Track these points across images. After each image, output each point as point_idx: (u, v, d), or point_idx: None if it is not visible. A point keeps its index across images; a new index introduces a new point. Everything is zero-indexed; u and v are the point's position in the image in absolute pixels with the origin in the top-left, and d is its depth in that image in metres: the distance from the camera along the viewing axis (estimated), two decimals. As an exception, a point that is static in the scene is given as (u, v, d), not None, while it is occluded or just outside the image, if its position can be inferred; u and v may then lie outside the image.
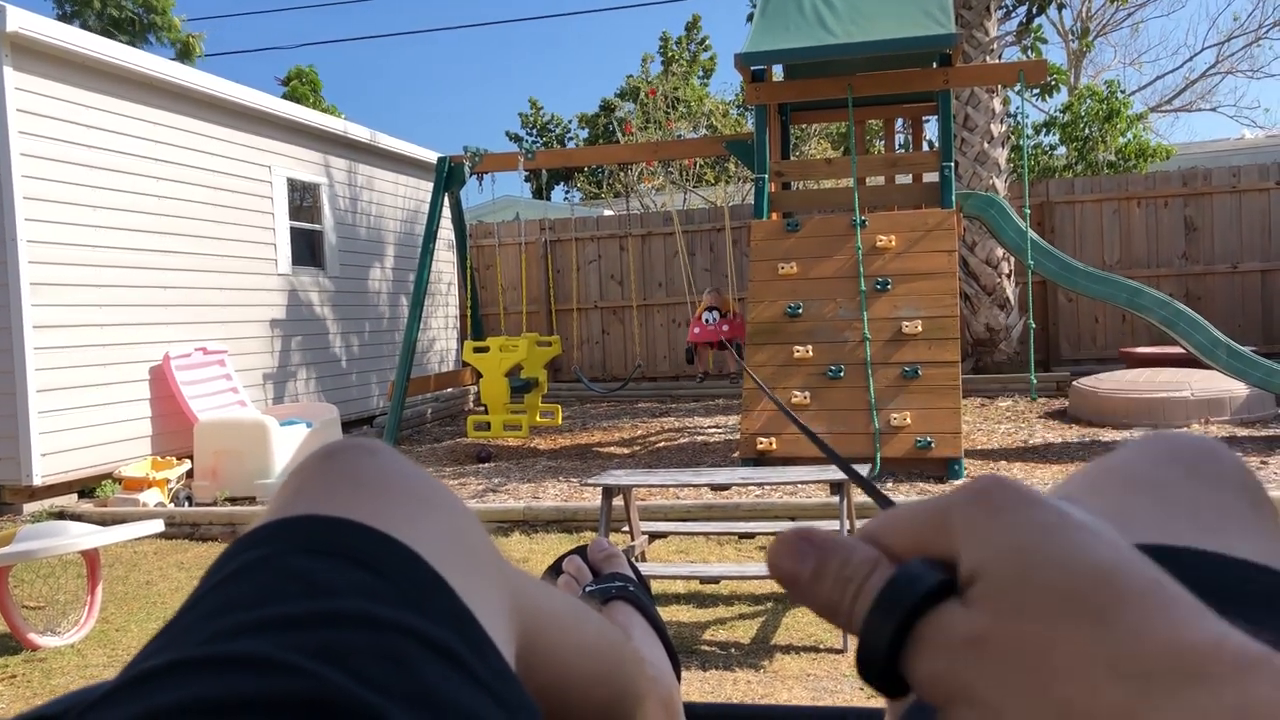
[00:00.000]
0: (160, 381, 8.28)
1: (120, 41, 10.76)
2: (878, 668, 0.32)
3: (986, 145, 11.12)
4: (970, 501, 0.33)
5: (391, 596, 0.38)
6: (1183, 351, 8.14)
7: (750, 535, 5.50)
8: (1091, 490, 0.47)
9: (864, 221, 7.68)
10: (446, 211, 10.20)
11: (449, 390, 11.70)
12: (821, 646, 4.06)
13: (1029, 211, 8.05)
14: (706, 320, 9.14)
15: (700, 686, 3.68)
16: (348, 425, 9.99)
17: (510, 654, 0.44)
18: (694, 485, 5.45)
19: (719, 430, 9.57)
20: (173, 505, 7.31)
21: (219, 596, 0.39)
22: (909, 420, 6.98)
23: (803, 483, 5.42)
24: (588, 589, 0.83)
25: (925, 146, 10.82)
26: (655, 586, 4.50)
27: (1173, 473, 0.45)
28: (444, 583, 0.41)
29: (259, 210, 9.81)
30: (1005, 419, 9.23)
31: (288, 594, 0.37)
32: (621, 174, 17.72)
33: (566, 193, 24.64)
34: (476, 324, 10.46)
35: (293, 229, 10.28)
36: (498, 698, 0.37)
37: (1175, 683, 0.27)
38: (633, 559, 0.92)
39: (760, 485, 6.30)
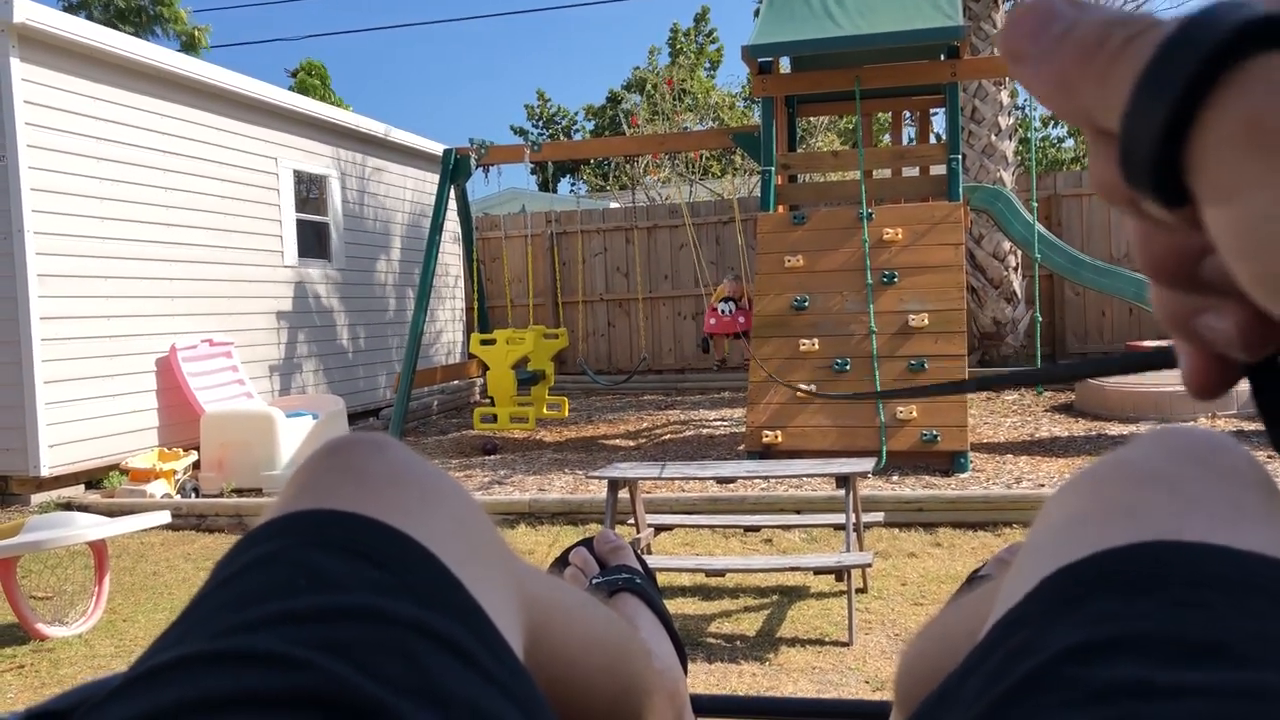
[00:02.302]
0: (167, 373, 8.29)
1: (126, 33, 10.75)
2: (1148, 153, 0.24)
3: (994, 138, 11.09)
4: None
5: (400, 591, 0.38)
6: (1190, 345, 8.11)
7: (756, 528, 5.50)
8: (1102, 486, 0.46)
9: (871, 214, 7.67)
10: (453, 204, 10.20)
11: (455, 382, 11.71)
12: (827, 640, 4.06)
13: (1036, 204, 8.03)
14: (722, 310, 9.18)
15: (705, 679, 3.69)
16: (354, 417, 10.01)
17: (519, 648, 0.44)
18: (699, 478, 5.44)
19: (724, 423, 9.57)
20: (179, 496, 7.34)
21: (228, 591, 0.39)
22: (915, 414, 6.98)
23: (808, 476, 5.42)
24: (594, 581, 0.83)
25: (932, 139, 10.80)
26: (660, 579, 4.50)
27: (1185, 467, 0.45)
28: (453, 577, 0.41)
29: (265, 202, 9.82)
30: (1011, 412, 9.22)
31: (297, 589, 0.37)
32: (627, 166, 17.71)
33: (572, 185, 24.65)
34: (483, 316, 10.47)
35: (299, 221, 10.29)
36: (508, 692, 0.37)
37: None
38: (639, 551, 0.92)
39: (766, 478, 6.30)
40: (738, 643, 4.09)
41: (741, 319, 9.07)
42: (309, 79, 23.10)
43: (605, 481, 4.70)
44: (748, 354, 9.12)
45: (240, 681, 0.32)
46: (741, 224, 11.54)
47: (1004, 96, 11.21)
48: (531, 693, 0.40)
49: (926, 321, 7.22)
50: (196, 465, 7.82)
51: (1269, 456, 6.77)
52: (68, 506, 6.97)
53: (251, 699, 0.32)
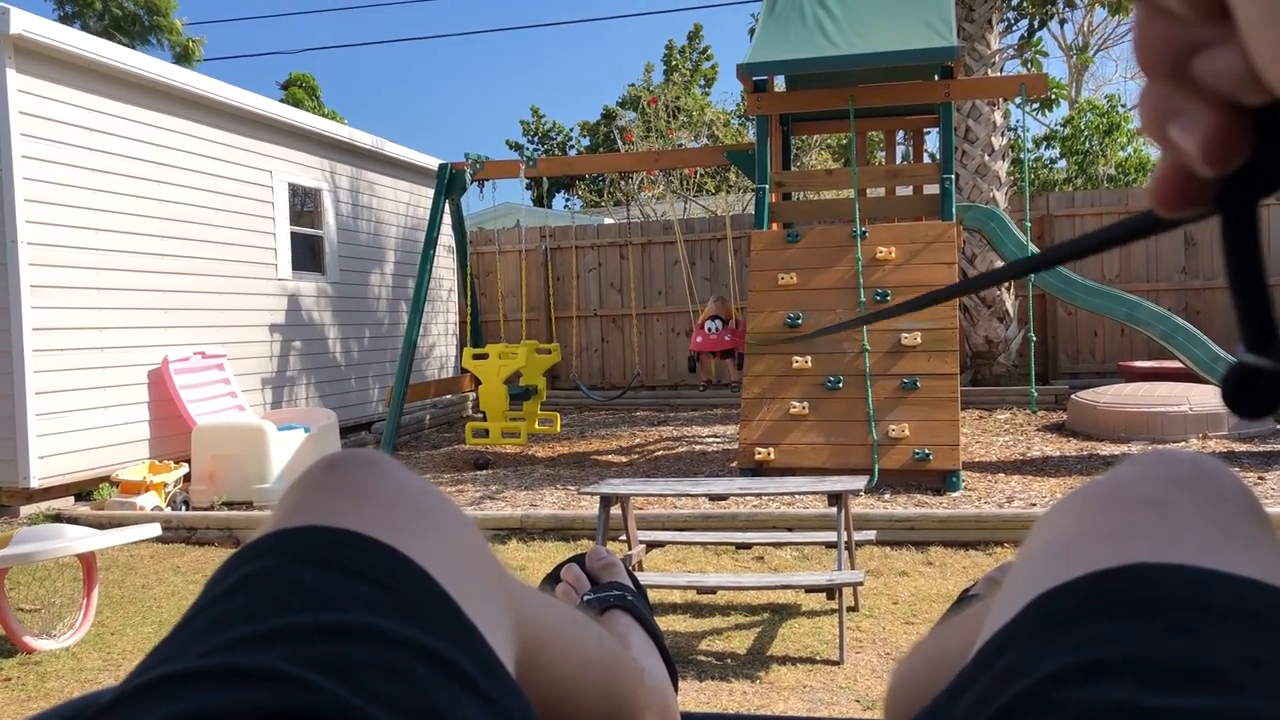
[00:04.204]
0: (159, 385, 8.27)
1: (121, 43, 10.78)
2: None
3: (987, 158, 11.14)
4: None
5: (396, 610, 0.38)
6: (1181, 366, 8.14)
7: (747, 545, 5.49)
8: (1091, 508, 0.47)
9: (864, 233, 7.69)
10: (447, 218, 10.20)
11: (448, 396, 11.69)
12: (818, 658, 4.05)
13: (1029, 224, 8.06)
14: (709, 329, 9.14)
15: (696, 697, 3.67)
16: (346, 430, 9.98)
17: (512, 666, 0.44)
18: (692, 495, 5.44)
19: (717, 440, 9.56)
20: (169, 509, 7.30)
21: (222, 607, 0.39)
22: (907, 432, 6.98)
23: (800, 493, 5.42)
24: (586, 598, 0.83)
25: (926, 158, 10.84)
26: (652, 596, 4.45)
27: (1173, 491, 0.46)
28: (448, 597, 0.41)
29: (260, 215, 9.81)
30: (1003, 431, 9.23)
31: (291, 605, 0.37)
32: (622, 182, 17.73)
33: (567, 200, 24.67)
34: (476, 330, 10.46)
35: (293, 234, 10.29)
36: (503, 712, 0.37)
37: None
38: (630, 568, 0.92)
39: (758, 495, 6.29)
40: (729, 660, 4.08)
41: (728, 337, 9.05)
42: (298, 92, 23.11)
43: (597, 497, 4.69)
44: (734, 376, 9.10)
45: (235, 698, 0.32)
46: (733, 241, 11.57)
47: (997, 117, 11.26)
48: (526, 711, 0.40)
49: (919, 340, 7.23)
50: (187, 478, 7.78)
51: (1259, 479, 6.79)
52: (57, 518, 6.93)
53: (246, 716, 0.32)
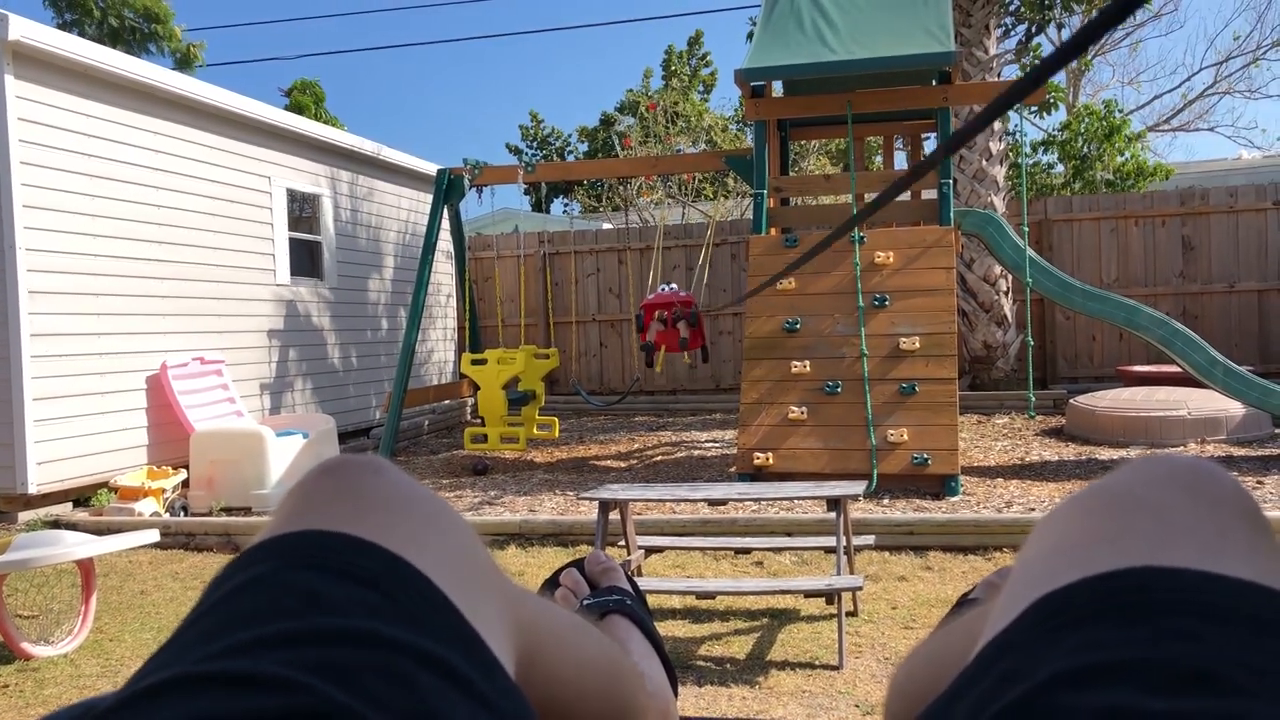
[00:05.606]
0: (157, 391, 8.26)
1: (120, 50, 10.75)
2: None
3: (985, 163, 11.15)
4: None
5: (396, 615, 0.38)
6: (1180, 371, 8.15)
7: (747, 550, 5.49)
8: (1089, 512, 0.47)
9: (862, 238, 7.69)
10: (446, 223, 10.20)
11: (446, 402, 11.69)
12: (817, 663, 4.05)
13: (1027, 229, 8.06)
14: (662, 289, 9.13)
15: (695, 703, 3.67)
16: (345, 436, 9.97)
17: (512, 671, 0.44)
18: (690, 500, 5.43)
19: (716, 445, 9.56)
20: (168, 515, 7.30)
21: (221, 612, 0.38)
22: (906, 437, 6.98)
23: (799, 498, 5.41)
24: (585, 602, 0.83)
25: (924, 163, 10.85)
26: (651, 601, 4.41)
27: (1171, 494, 0.45)
28: (449, 602, 0.41)
29: (258, 220, 9.81)
30: (1002, 436, 9.23)
31: (290, 610, 0.37)
32: (621, 188, 17.75)
33: (565, 206, 24.69)
34: (474, 336, 10.46)
35: (291, 239, 10.29)
36: (502, 716, 0.37)
37: None
38: (629, 572, 0.92)
39: (757, 500, 6.29)
40: (728, 665, 4.08)
41: (683, 294, 8.94)
42: (303, 97, 23.10)
43: (596, 503, 4.69)
44: (685, 337, 8.93)
45: (233, 704, 0.32)
46: (715, 246, 11.56)
47: (995, 122, 11.27)
48: (526, 716, 0.40)
49: (917, 345, 7.24)
50: (186, 484, 7.78)
51: (1257, 482, 6.79)
52: (55, 524, 6.92)
53: None
